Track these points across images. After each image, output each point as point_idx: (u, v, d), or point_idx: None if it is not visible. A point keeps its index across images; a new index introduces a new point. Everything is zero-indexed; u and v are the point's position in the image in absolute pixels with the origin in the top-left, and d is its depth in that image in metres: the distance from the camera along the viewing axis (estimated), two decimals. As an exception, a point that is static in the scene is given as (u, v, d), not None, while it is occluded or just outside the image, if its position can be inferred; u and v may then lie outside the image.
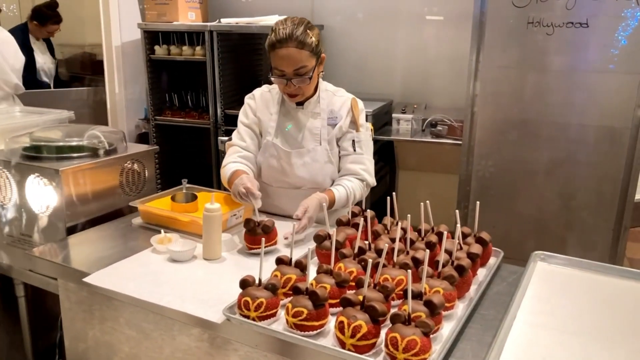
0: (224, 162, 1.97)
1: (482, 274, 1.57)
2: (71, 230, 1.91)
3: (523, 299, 1.39)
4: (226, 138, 3.44)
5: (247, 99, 2.06)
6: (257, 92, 2.05)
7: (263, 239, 1.39)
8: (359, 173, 1.97)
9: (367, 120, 2.05)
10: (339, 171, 1.99)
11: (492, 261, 1.64)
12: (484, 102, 2.87)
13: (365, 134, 2.00)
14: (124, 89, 4.11)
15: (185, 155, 4.17)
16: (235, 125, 2.06)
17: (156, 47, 3.87)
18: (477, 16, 2.76)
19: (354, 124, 1.96)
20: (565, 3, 2.55)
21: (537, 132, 2.77)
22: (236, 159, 1.96)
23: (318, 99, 1.96)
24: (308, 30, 1.80)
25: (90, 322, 1.66)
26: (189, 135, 4.14)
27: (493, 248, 1.66)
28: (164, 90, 4.06)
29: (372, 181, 2.01)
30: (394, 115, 3.66)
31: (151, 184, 2.18)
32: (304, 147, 1.95)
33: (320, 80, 1.98)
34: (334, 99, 1.98)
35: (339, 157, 1.99)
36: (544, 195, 2.81)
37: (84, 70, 4.81)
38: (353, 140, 1.96)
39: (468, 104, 2.90)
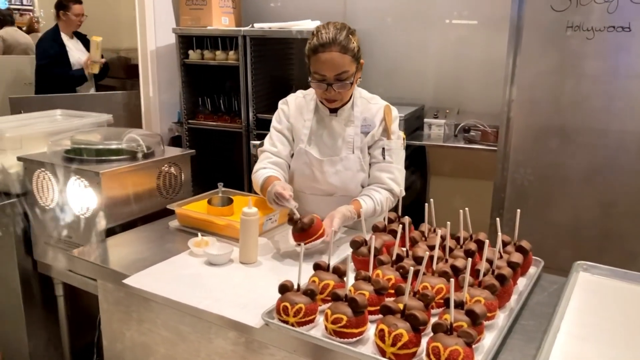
0: (255, 167, 1.96)
1: (522, 283, 1.54)
2: (110, 232, 1.95)
3: (566, 310, 1.36)
4: (258, 142, 3.46)
5: (281, 104, 2.05)
6: (290, 97, 2.04)
7: (302, 246, 1.38)
8: (386, 182, 1.93)
9: (399, 125, 2.01)
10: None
11: (532, 271, 1.61)
12: (521, 108, 2.82)
13: (397, 142, 1.96)
14: (158, 93, 4.17)
15: (217, 158, 4.20)
16: (267, 129, 2.06)
17: (190, 52, 3.92)
18: (515, 20, 2.71)
19: (385, 132, 1.94)
20: (607, 7, 2.49)
21: (576, 139, 2.71)
22: (266, 164, 1.93)
23: (352, 106, 1.94)
24: (350, 36, 1.79)
25: (128, 323, 1.68)
26: (221, 139, 4.18)
27: (533, 257, 1.63)
28: (197, 94, 4.11)
29: (400, 191, 1.94)
30: (425, 120, 3.63)
31: (187, 187, 2.21)
32: (337, 155, 1.93)
33: (356, 86, 1.96)
34: (369, 106, 1.96)
35: (369, 165, 1.97)
36: (582, 204, 2.74)
37: (120, 74, 4.90)
38: (383, 148, 1.93)
39: (504, 110, 2.85)
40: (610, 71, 2.58)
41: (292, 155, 1.98)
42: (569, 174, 2.75)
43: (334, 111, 1.94)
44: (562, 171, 2.77)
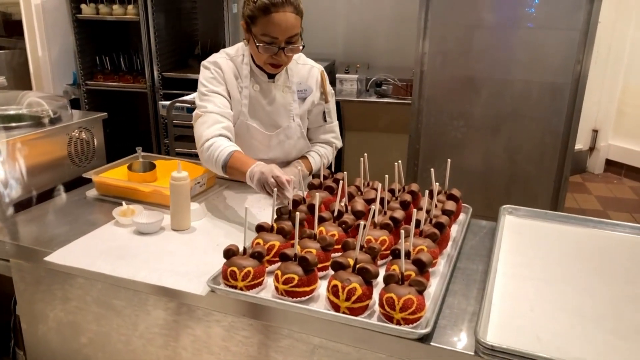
0: (204, 135, 1.67)
1: (454, 229, 1.60)
2: (18, 207, 1.76)
3: (500, 252, 1.43)
4: (167, 103, 3.28)
5: (212, 65, 1.80)
6: (220, 59, 1.80)
7: (247, 209, 1.33)
8: (332, 142, 1.98)
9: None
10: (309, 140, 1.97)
11: (462, 217, 1.68)
12: (432, 61, 2.89)
13: (332, 101, 1.98)
14: (48, 52, 3.81)
15: (122, 121, 3.95)
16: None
17: (83, 6, 3.60)
18: (426, -27, 2.75)
19: (323, 95, 1.92)
20: (512, -40, 2.59)
21: (484, 89, 2.84)
22: (220, 130, 1.68)
23: (286, 70, 1.83)
24: None
25: (51, 303, 1.55)
26: (123, 101, 3.92)
27: (462, 204, 1.70)
28: (94, 53, 3.80)
29: (340, 144, 2.03)
30: (337, 75, 3.63)
31: (100, 154, 2.06)
32: (280, 125, 1.85)
33: None
34: (298, 67, 1.87)
35: (308, 128, 1.96)
36: (490, 150, 2.90)
37: (-1, 31, 4.40)
38: (324, 112, 1.94)
39: (417, 63, 2.91)
40: (514, 23, 2.71)
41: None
42: (478, 123, 2.89)
43: (271, 77, 1.81)
44: (472, 120, 2.90)
